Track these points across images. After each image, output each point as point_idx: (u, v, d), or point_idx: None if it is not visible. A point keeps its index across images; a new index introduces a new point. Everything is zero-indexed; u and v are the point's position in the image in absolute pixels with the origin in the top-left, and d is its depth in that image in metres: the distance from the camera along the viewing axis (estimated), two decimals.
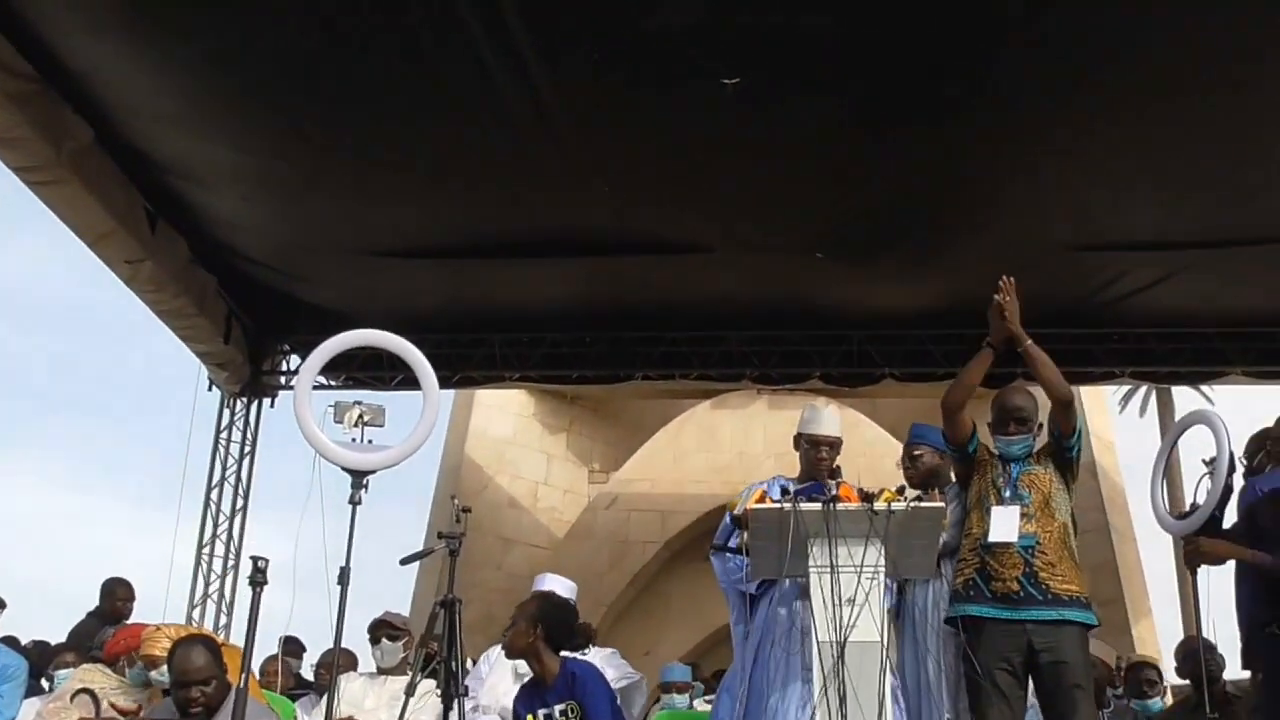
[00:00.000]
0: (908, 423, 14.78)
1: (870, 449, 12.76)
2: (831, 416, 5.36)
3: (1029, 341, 4.93)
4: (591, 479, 14.59)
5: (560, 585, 5.84)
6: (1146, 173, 7.41)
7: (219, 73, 6.60)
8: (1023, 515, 4.77)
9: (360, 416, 4.58)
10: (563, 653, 5.24)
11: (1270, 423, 5.35)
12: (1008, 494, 4.85)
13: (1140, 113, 6.76)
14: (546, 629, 5.10)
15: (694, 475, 12.89)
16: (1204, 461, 5.13)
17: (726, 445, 13.46)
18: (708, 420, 13.84)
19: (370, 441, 4.61)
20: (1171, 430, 5.51)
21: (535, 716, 5.03)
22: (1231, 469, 5.02)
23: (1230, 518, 5.18)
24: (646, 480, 13.70)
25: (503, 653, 5.64)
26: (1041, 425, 5.13)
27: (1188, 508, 5.10)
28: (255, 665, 5.47)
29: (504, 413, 14.16)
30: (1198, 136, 6.93)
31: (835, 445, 5.25)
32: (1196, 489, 5.16)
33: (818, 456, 5.21)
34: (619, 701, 5.57)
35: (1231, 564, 5.16)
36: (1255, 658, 5.05)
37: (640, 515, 13.55)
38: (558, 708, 4.98)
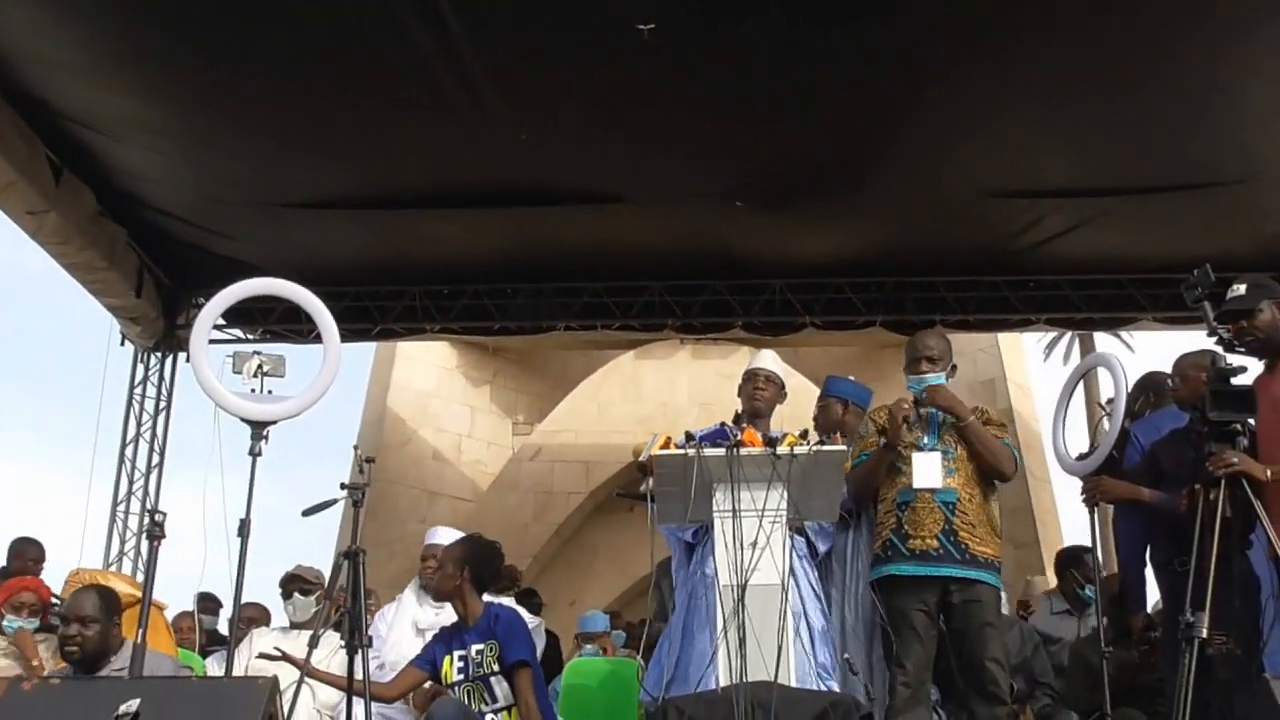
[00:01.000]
0: (829, 370, 14.96)
1: (793, 396, 12.77)
2: (770, 355, 5.53)
3: (971, 419, 4.94)
4: (515, 431, 14.58)
5: (453, 538, 5.84)
6: (1062, 120, 7.49)
7: (127, 22, 6.46)
8: (945, 468, 4.84)
9: (260, 367, 4.51)
10: (489, 598, 5.27)
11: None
12: (926, 441, 4.92)
13: (1057, 60, 6.82)
14: (473, 571, 5.11)
15: (618, 426, 12.91)
16: (1100, 405, 5.23)
17: (650, 395, 13.50)
18: (631, 371, 13.86)
19: (270, 392, 4.56)
20: (1072, 374, 5.59)
21: (452, 658, 5.04)
22: (1128, 410, 5.12)
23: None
24: (570, 431, 13.72)
25: (403, 606, 5.65)
26: (955, 367, 5.19)
27: (1087, 448, 5.19)
28: (157, 621, 5.41)
29: (426, 365, 14.08)
30: (1113, 85, 7.01)
31: (772, 378, 5.32)
32: (1095, 430, 5.26)
33: (754, 388, 5.28)
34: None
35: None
36: (1142, 594, 5.19)
37: (564, 466, 13.57)
38: (475, 647, 5.00)
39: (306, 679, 4.57)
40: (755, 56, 6.79)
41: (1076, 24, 6.47)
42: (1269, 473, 4.32)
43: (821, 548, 5.15)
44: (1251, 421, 4.39)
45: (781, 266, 9.70)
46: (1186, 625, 4.11)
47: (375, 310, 9.98)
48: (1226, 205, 8.36)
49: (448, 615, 5.33)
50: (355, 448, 4.79)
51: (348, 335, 9.76)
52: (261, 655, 5.04)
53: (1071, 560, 6.53)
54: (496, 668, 4.95)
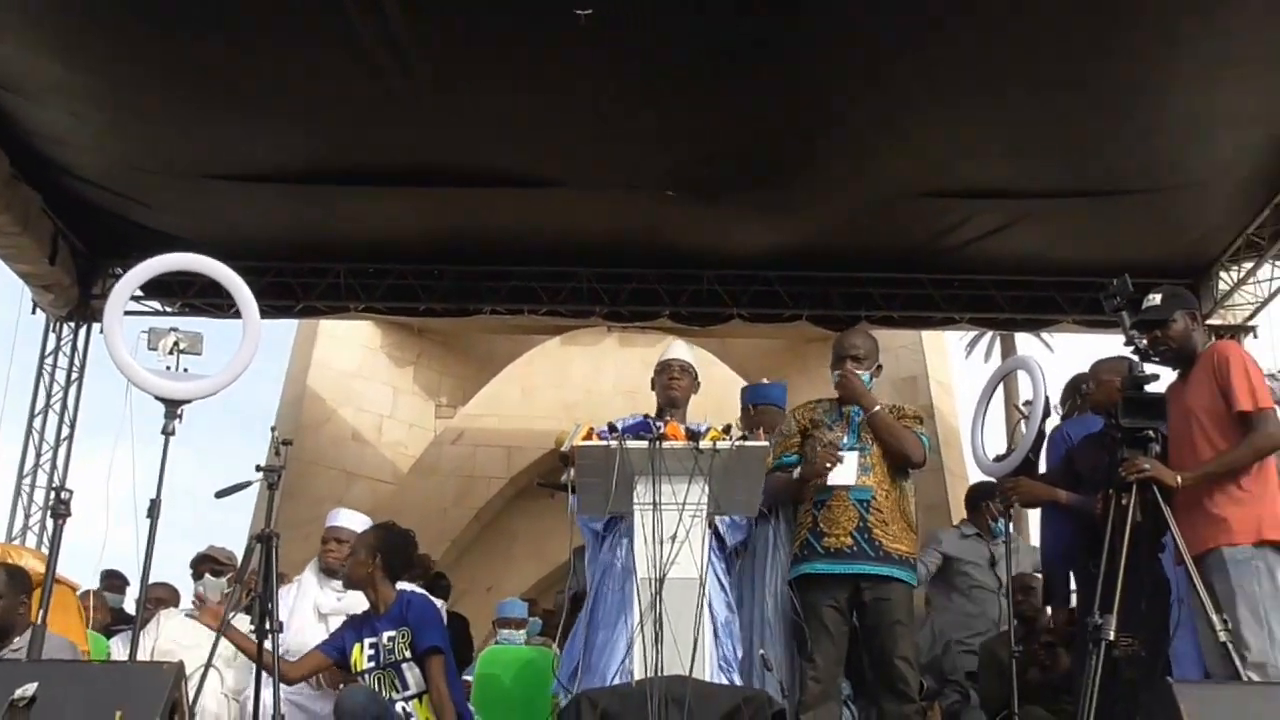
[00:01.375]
0: (755, 362, 15.03)
1: (720, 388, 12.84)
2: (682, 345, 5.45)
3: (877, 407, 4.97)
4: (438, 413, 14.45)
5: (355, 520, 5.77)
6: (992, 123, 7.59)
7: None
8: (861, 466, 4.87)
9: (176, 344, 4.42)
10: (402, 586, 5.23)
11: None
12: (846, 440, 4.94)
13: (990, 64, 6.90)
14: (385, 558, 5.07)
15: (542, 411, 12.85)
16: (1017, 408, 5.29)
17: (576, 382, 13.45)
18: (557, 356, 13.81)
19: (186, 370, 4.47)
20: (992, 376, 5.66)
21: (362, 645, 5.00)
22: (1047, 413, 5.18)
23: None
24: (494, 416, 13.64)
25: (304, 589, 5.57)
26: (880, 366, 5.22)
27: (1004, 450, 5.25)
28: (69, 602, 5.28)
29: (349, 344, 13.91)
30: (1042, 89, 7.11)
31: (687, 369, 5.28)
32: (1013, 432, 5.32)
33: (669, 378, 5.25)
34: None
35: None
36: (1065, 591, 5.26)
37: (487, 451, 13.49)
38: (386, 634, 4.97)
39: (214, 664, 4.49)
40: (693, 46, 6.79)
41: (1006, 27, 6.54)
42: (1179, 479, 4.41)
43: (731, 540, 5.17)
44: (1164, 428, 4.48)
45: (711, 258, 9.71)
46: (1094, 627, 4.18)
47: (298, 287, 9.85)
48: (1147, 212, 8.53)
49: (351, 599, 5.29)
50: (273, 429, 4.69)
51: (269, 312, 9.65)
52: (190, 614, 4.95)
53: (984, 494, 6.56)
54: (408, 654, 4.93)
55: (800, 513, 5.02)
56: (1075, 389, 5.63)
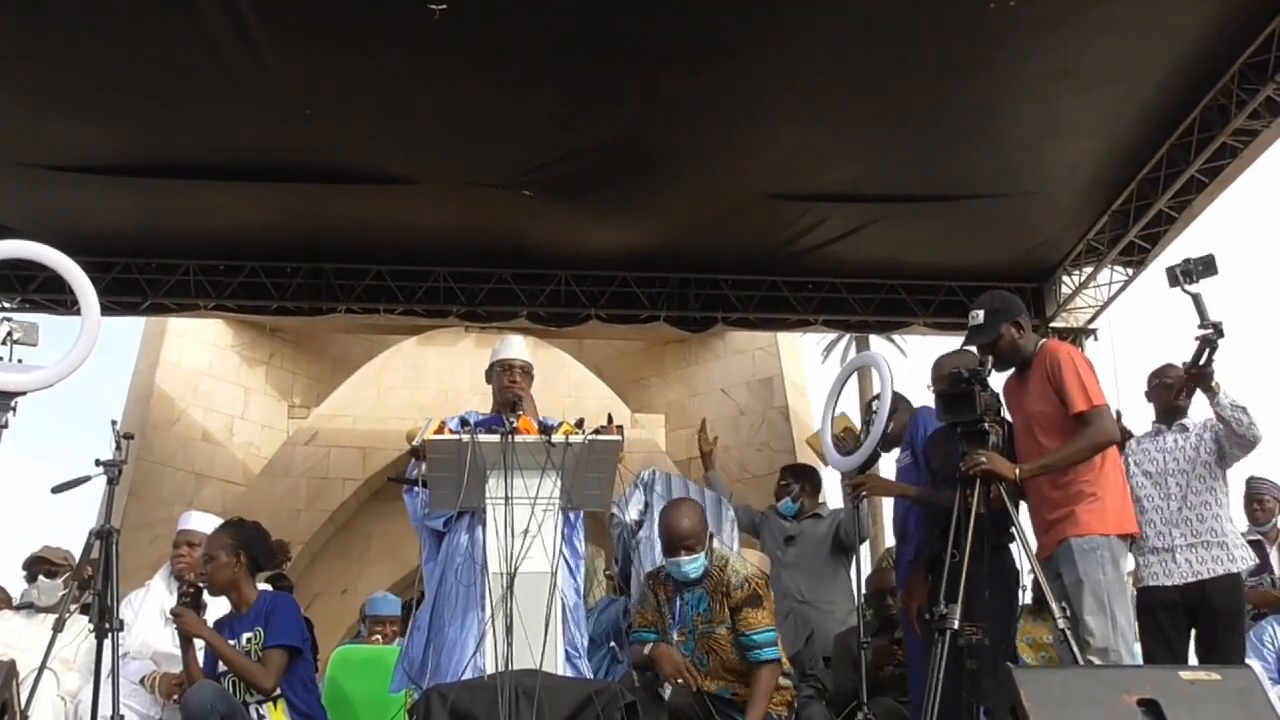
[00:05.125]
0: (613, 363, 15.07)
1: (576, 389, 12.90)
2: (519, 343, 5.47)
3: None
4: (291, 414, 14.15)
5: (207, 522, 5.64)
6: (845, 127, 7.73)
7: None
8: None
9: (9, 334, 4.24)
10: (261, 586, 5.16)
11: None
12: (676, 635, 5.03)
13: (843, 66, 7.02)
14: (248, 554, 4.99)
15: (397, 412, 12.65)
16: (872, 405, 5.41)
17: (432, 382, 13.30)
18: (413, 357, 13.64)
19: (20, 361, 4.30)
20: (840, 373, 5.78)
21: None
22: (893, 409, 5.31)
23: None
24: (348, 416, 13.42)
25: (152, 594, 5.44)
26: (714, 536, 5.36)
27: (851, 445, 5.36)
28: None
29: (199, 343, 13.54)
30: (895, 92, 7.26)
31: (526, 369, 5.29)
32: (864, 427, 5.43)
33: (509, 380, 5.24)
34: None
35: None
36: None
37: (341, 452, 13.27)
38: (245, 635, 4.87)
39: (49, 667, 4.33)
40: (546, 43, 6.78)
41: (860, 33, 6.68)
42: (1017, 471, 4.57)
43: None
44: (987, 422, 4.64)
45: (569, 258, 9.71)
46: (939, 616, 4.29)
47: (145, 283, 9.57)
48: (995, 217, 8.80)
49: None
50: (113, 422, 4.51)
51: (115, 308, 9.38)
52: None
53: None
54: (261, 655, 4.81)
55: None
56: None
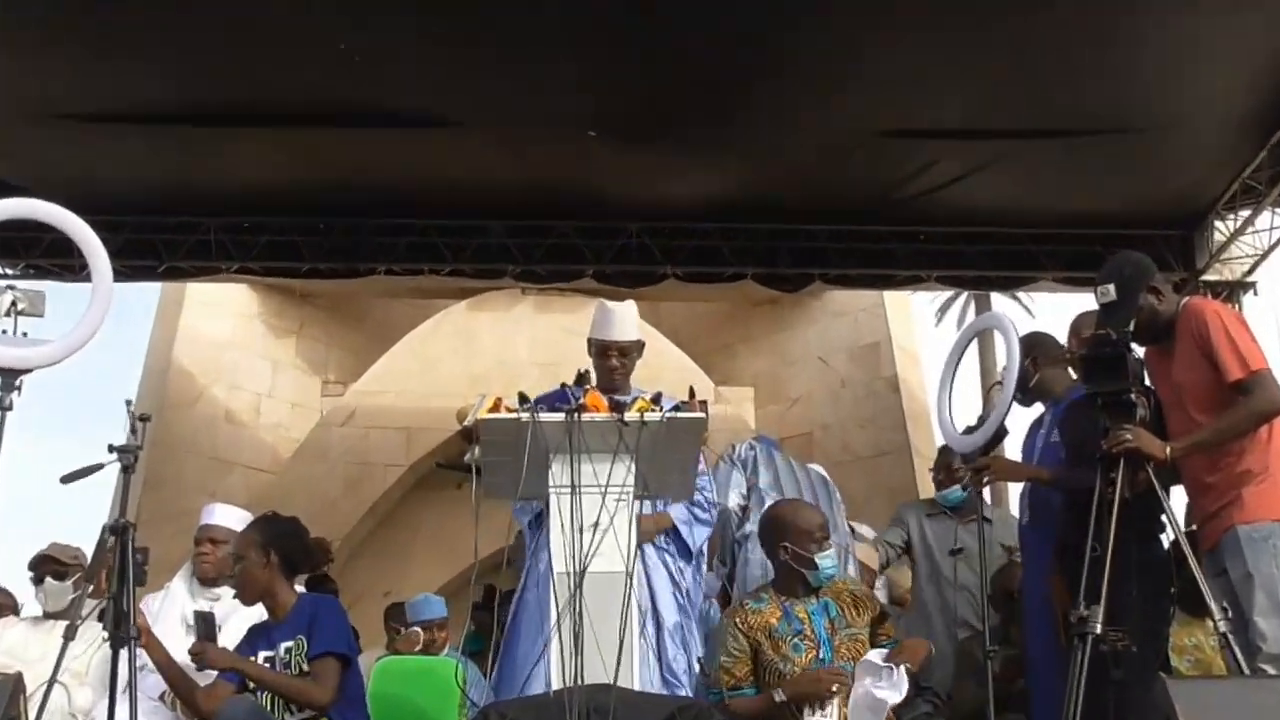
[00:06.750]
0: (693, 329, 15.07)
1: (651, 359, 12.80)
2: (621, 317, 5.46)
3: None
4: (325, 391, 14.32)
5: (233, 517, 5.71)
6: (956, 54, 7.60)
7: None
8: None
9: (14, 304, 4.32)
10: (300, 589, 5.17)
11: None
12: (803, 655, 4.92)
13: None
14: (281, 553, 4.99)
15: (446, 387, 12.72)
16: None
17: (485, 352, 13.36)
18: (463, 323, 13.70)
19: (25, 334, 4.37)
20: (960, 337, 5.69)
21: (258, 660, 4.91)
22: (1024, 379, 5.23)
23: None
24: (390, 393, 13.52)
25: (172, 598, 5.51)
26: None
27: (975, 421, 5.29)
28: None
29: (221, 311, 13.71)
30: (1011, 16, 7.13)
31: (627, 351, 5.30)
32: (987, 400, 5.37)
33: (606, 366, 5.25)
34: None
35: None
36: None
37: (382, 433, 13.38)
38: (284, 645, 4.89)
39: (60, 680, 4.42)
40: None
41: None
42: (1168, 450, 4.48)
43: (695, 540, 5.19)
44: (1134, 393, 4.55)
45: (640, 208, 9.70)
46: (1079, 620, 4.24)
47: (161, 245, 9.70)
48: (1131, 155, 8.61)
49: (225, 606, 5.22)
50: (128, 402, 4.56)
51: (128, 273, 9.53)
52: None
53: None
54: (305, 667, 4.83)
55: None
56: (1027, 352, 5.61)
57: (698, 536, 5.30)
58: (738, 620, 4.95)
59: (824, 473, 6.75)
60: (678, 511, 5.26)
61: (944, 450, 6.95)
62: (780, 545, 4.97)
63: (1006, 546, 6.51)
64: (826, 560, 4.91)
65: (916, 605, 6.97)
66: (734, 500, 6.25)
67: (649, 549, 5.06)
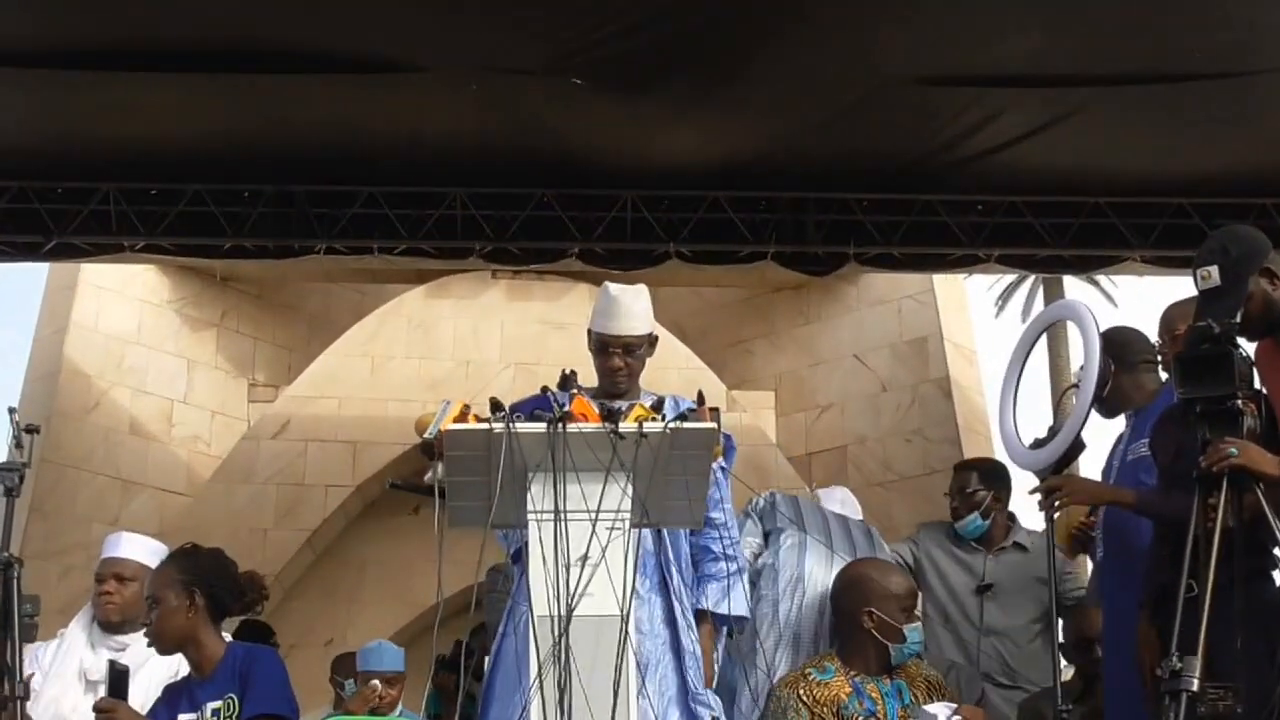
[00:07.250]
0: (701, 321, 15.13)
1: (654, 359, 12.79)
2: (629, 305, 5.42)
3: None
4: (253, 396, 14.32)
5: (143, 549, 5.72)
6: None
7: None
8: None
9: None
10: (227, 636, 5.18)
11: None
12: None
13: None
14: (206, 592, 4.99)
15: (399, 392, 12.77)
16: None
17: (447, 349, 13.38)
18: (421, 314, 13.72)
19: None
20: (1027, 330, 5.70)
21: None
22: (1103, 381, 5.25)
23: None
24: (332, 398, 13.53)
25: (68, 648, 5.51)
26: None
27: (1046, 432, 5.31)
28: None
29: (124, 298, 13.69)
30: None
31: (635, 347, 5.30)
32: (1059, 407, 5.39)
33: (607, 365, 5.28)
34: None
35: None
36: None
37: (322, 448, 13.39)
38: (210, 706, 4.88)
39: None
40: None
41: None
42: None
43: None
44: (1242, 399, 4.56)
45: (636, 173, 9.73)
46: (1172, 674, 4.24)
47: (49, 216, 9.73)
48: (1234, 108, 8.60)
49: (135, 656, 5.23)
50: (11, 410, 4.55)
51: (7, 252, 9.56)
52: None
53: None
54: None
55: None
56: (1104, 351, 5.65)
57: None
58: (801, 693, 5.04)
59: (866, 522, 6.74)
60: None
61: (960, 470, 7.02)
62: (865, 611, 5.04)
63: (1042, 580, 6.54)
64: (915, 634, 5.02)
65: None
66: (746, 553, 6.31)
67: (651, 594, 5.11)
